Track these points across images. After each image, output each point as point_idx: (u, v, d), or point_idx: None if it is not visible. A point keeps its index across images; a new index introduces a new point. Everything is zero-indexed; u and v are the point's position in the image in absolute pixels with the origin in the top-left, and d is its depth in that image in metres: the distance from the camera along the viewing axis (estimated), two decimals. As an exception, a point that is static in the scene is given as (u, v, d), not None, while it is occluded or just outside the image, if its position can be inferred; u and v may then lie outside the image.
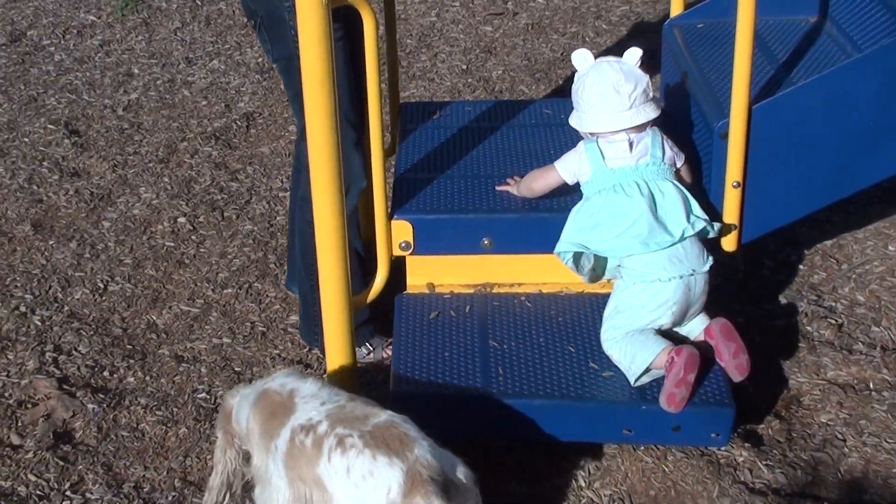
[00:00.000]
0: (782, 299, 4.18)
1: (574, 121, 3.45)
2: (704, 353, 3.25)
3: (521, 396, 3.18)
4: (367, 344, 3.88)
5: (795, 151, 3.39)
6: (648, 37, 6.37)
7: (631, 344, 3.24)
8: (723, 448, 3.35)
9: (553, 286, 3.61)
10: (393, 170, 3.88)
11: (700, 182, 3.57)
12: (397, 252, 3.54)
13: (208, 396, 3.75)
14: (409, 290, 3.63)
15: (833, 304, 4.14)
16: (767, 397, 3.67)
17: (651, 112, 3.34)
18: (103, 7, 7.03)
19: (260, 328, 4.10)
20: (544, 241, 3.49)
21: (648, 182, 3.31)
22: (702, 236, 3.37)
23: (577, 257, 3.36)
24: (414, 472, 2.57)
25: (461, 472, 2.68)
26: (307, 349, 3.96)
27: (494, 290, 3.62)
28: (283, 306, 4.21)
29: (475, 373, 3.27)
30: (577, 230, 3.34)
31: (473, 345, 3.38)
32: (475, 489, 2.69)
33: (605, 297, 3.53)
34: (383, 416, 2.74)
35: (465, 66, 6.14)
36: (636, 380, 3.21)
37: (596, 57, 3.46)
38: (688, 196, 3.34)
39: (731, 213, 3.46)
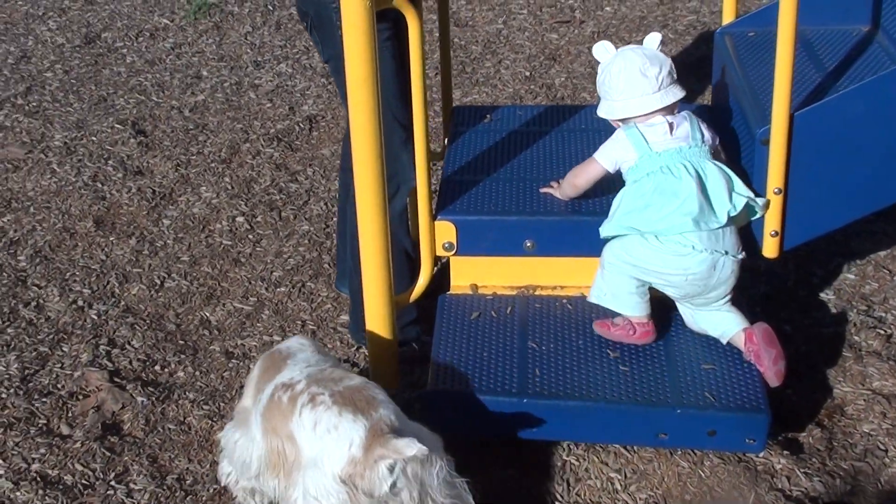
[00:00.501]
0: (832, 308, 4.17)
1: (604, 111, 3.48)
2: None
3: (557, 398, 3.21)
4: (413, 343, 3.93)
5: (837, 159, 3.39)
6: (712, 46, 6.35)
7: (620, 291, 3.35)
8: (761, 455, 3.34)
9: (595, 290, 3.63)
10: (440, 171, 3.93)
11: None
12: (441, 252, 3.59)
13: (255, 391, 3.82)
14: (453, 291, 3.67)
15: (883, 314, 4.12)
16: (810, 405, 3.65)
17: (679, 92, 3.39)
18: (176, 11, 7.17)
19: (310, 326, 4.17)
20: (587, 243, 3.52)
21: (694, 163, 3.32)
22: (749, 215, 3.37)
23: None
24: (376, 429, 2.72)
25: (427, 437, 2.81)
26: (356, 348, 4.02)
27: (537, 293, 3.65)
28: (335, 305, 4.27)
29: (512, 373, 3.30)
30: (627, 213, 3.34)
31: (512, 345, 3.41)
32: (440, 458, 2.81)
33: (648, 301, 3.56)
34: (357, 380, 2.92)
35: (528, 73, 6.17)
36: (594, 299, 3.40)
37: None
38: (730, 174, 3.35)
39: (772, 220, 3.47)
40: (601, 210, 3.51)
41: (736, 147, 3.74)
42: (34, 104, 5.95)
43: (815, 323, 4.08)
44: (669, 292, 3.39)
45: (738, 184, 3.34)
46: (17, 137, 5.58)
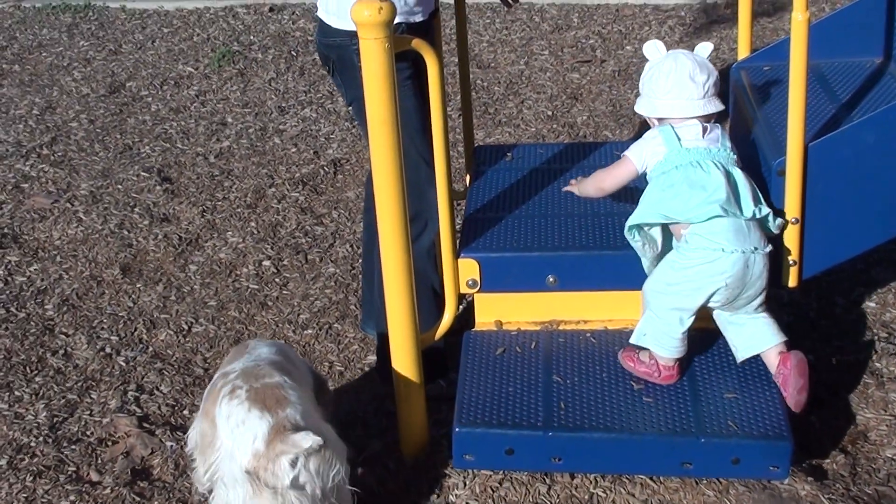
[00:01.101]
0: (853, 336, 4.18)
1: (644, 107, 3.48)
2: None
3: (582, 430, 3.24)
4: (440, 380, 3.95)
5: (853, 188, 3.43)
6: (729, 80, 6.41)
7: (660, 326, 3.37)
8: (785, 482, 3.35)
9: (619, 323, 3.67)
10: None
11: None
12: (465, 289, 3.63)
13: (284, 432, 3.85)
14: (478, 328, 3.71)
15: (905, 342, 4.13)
16: (833, 432, 3.67)
17: (720, 104, 3.42)
18: (201, 59, 7.28)
19: (338, 367, 4.21)
20: (609, 278, 3.58)
21: (723, 163, 3.37)
22: (763, 227, 3.40)
23: (644, 236, 3.43)
24: (279, 426, 2.95)
25: (333, 440, 3.05)
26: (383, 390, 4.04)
27: (561, 327, 3.68)
28: (362, 346, 4.32)
29: (537, 406, 3.33)
30: (655, 202, 3.36)
31: (537, 379, 3.44)
32: (341, 463, 3.05)
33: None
34: (276, 378, 3.13)
35: (550, 112, 6.22)
36: (635, 339, 3.41)
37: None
38: (755, 187, 3.39)
39: (790, 250, 3.50)
40: (623, 244, 3.54)
41: (753, 179, 3.77)
42: (60, 154, 6.04)
43: (837, 351, 4.10)
44: (713, 304, 3.38)
45: (761, 197, 3.39)
46: (43, 187, 5.66)
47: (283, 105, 6.53)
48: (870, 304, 4.35)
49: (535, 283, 3.61)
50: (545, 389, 3.40)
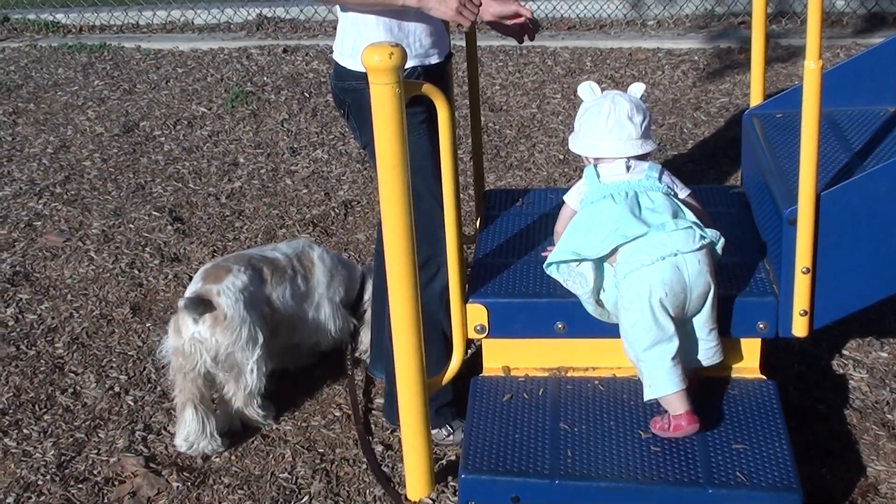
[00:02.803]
0: (864, 387, 4.16)
1: (582, 147, 3.56)
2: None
3: (589, 479, 3.22)
4: (448, 426, 3.94)
5: (865, 238, 3.41)
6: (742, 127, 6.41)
7: (651, 367, 3.37)
8: (795, 535, 3.32)
9: (627, 370, 3.65)
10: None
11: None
12: (472, 335, 3.62)
13: (290, 476, 3.84)
14: (485, 373, 3.69)
15: (917, 393, 4.11)
16: (844, 484, 3.64)
17: (653, 144, 3.53)
18: (214, 99, 7.31)
19: (346, 410, 4.18)
20: (617, 325, 3.53)
21: (637, 190, 3.45)
22: (711, 250, 3.45)
23: (569, 272, 3.50)
24: (201, 291, 3.94)
25: (235, 310, 3.92)
26: (390, 430, 4.03)
27: (569, 374, 3.66)
28: (369, 389, 4.29)
29: (544, 455, 3.31)
30: (567, 241, 3.47)
31: (544, 427, 3.43)
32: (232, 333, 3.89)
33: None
34: (232, 263, 4.06)
35: (562, 156, 6.23)
36: (647, 396, 3.42)
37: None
38: (680, 206, 3.47)
39: (801, 300, 3.49)
40: (631, 291, 3.53)
41: (764, 227, 3.77)
42: (73, 192, 6.06)
43: (848, 402, 4.07)
44: (675, 314, 3.40)
45: (689, 214, 3.46)
46: (55, 225, 5.67)
47: (295, 146, 6.55)
48: (882, 355, 4.33)
49: (544, 329, 3.60)
50: (552, 437, 3.38)
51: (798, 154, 3.67)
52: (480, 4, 3.55)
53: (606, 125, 3.47)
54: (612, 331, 3.58)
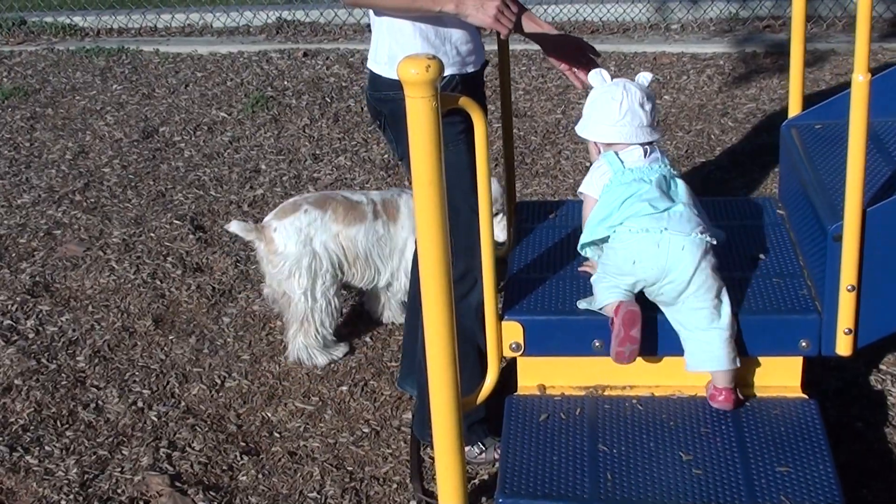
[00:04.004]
0: (903, 404, 4.08)
1: (592, 132, 3.56)
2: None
3: (630, 503, 3.12)
4: (480, 443, 3.86)
5: (913, 255, 3.33)
6: (774, 133, 6.29)
7: (600, 288, 3.45)
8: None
9: (665, 389, 3.56)
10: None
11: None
12: (508, 353, 3.53)
13: (319, 496, 3.76)
14: (520, 392, 3.61)
15: (957, 408, 4.02)
16: (887, 505, 3.55)
17: (660, 132, 3.62)
18: (234, 104, 7.23)
19: (374, 426, 4.10)
20: (656, 342, 3.47)
21: (663, 175, 3.48)
22: (706, 246, 3.42)
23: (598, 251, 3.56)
24: (265, 225, 4.52)
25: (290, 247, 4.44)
26: (419, 449, 3.94)
27: (606, 393, 3.57)
28: (397, 404, 4.21)
29: (583, 478, 3.22)
30: (599, 216, 3.48)
31: (583, 449, 3.33)
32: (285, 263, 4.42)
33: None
34: (309, 198, 4.56)
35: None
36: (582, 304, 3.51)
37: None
38: (695, 199, 3.52)
39: (845, 318, 3.40)
40: (671, 308, 3.46)
41: (805, 242, 3.68)
42: (92, 200, 5.99)
43: (888, 419, 3.99)
44: (652, 293, 3.43)
45: (700, 208, 3.52)
46: (75, 234, 5.60)
47: (317, 152, 6.47)
48: (920, 371, 4.25)
49: (581, 347, 3.51)
50: (591, 459, 3.28)
51: (840, 167, 3.60)
52: (518, 12, 3.48)
53: (620, 112, 3.47)
54: (650, 348, 3.50)
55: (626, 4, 8.52)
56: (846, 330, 3.40)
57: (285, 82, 7.59)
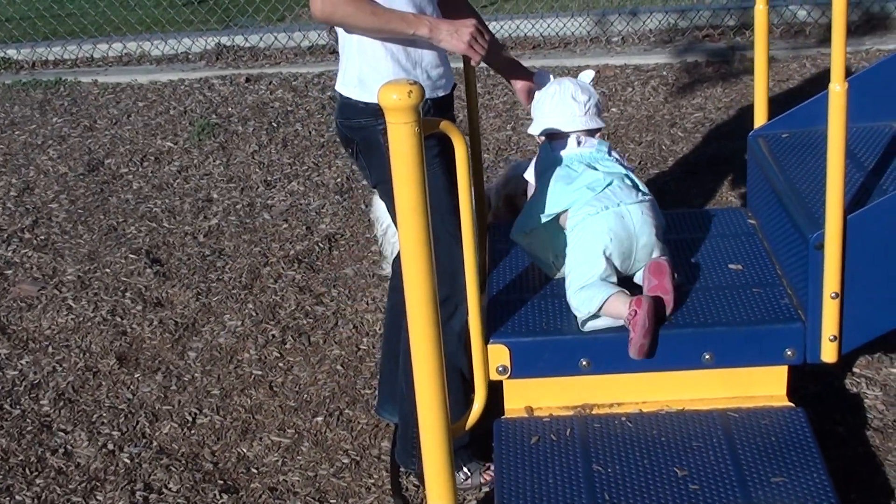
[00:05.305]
0: (880, 405, 4.10)
1: (533, 128, 3.79)
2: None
3: (631, 523, 3.09)
4: (465, 469, 3.81)
5: (892, 259, 3.35)
6: (723, 143, 6.37)
7: (586, 290, 3.47)
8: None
9: (653, 405, 3.55)
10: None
11: None
12: (494, 376, 3.50)
13: (305, 530, 3.69)
14: (508, 415, 3.57)
15: (937, 409, 4.05)
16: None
17: (600, 123, 3.76)
18: (179, 133, 7.13)
19: (353, 456, 4.04)
20: (644, 359, 3.44)
21: (591, 160, 3.67)
22: (653, 205, 3.66)
23: (532, 238, 3.71)
24: None
25: None
26: (402, 476, 3.88)
27: (594, 412, 3.55)
28: (375, 433, 4.15)
29: (581, 499, 3.19)
30: (533, 206, 3.68)
31: (577, 469, 3.30)
32: None
33: (706, 414, 3.48)
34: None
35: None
36: (583, 324, 3.47)
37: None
38: (631, 174, 3.68)
39: (830, 325, 3.41)
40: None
41: (783, 251, 3.69)
42: (42, 237, 5.86)
43: (867, 422, 4.01)
44: (619, 263, 3.56)
45: (640, 184, 3.70)
46: (27, 273, 5.47)
47: (269, 179, 6.39)
48: (893, 371, 4.28)
49: (568, 367, 3.49)
50: (587, 480, 3.25)
51: (814, 176, 3.64)
52: (490, 40, 3.47)
53: (552, 104, 3.71)
54: (637, 365, 3.48)
55: (566, 19, 8.54)
56: (831, 337, 3.41)
57: (230, 108, 7.50)
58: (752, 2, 7.92)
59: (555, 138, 3.72)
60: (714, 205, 5.61)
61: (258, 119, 7.25)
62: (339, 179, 6.26)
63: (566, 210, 3.57)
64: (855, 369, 4.30)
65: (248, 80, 8.00)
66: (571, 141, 3.70)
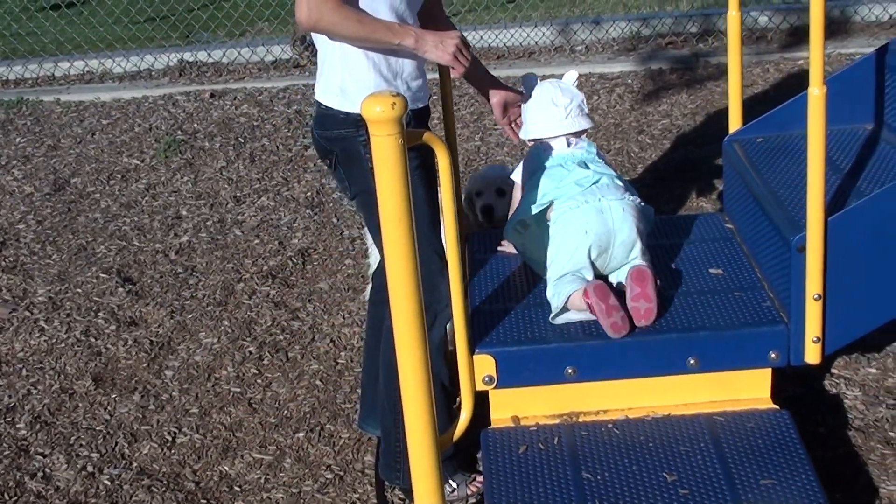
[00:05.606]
0: (860, 405, 4.12)
1: (522, 133, 3.87)
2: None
3: (623, 530, 3.09)
4: (451, 481, 3.79)
5: (873, 260, 3.38)
6: (690, 149, 6.40)
7: (558, 284, 3.57)
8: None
9: (639, 411, 3.55)
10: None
11: None
12: (480, 387, 3.48)
13: (292, 547, 3.66)
14: (494, 425, 3.56)
15: (912, 407, 4.08)
16: (860, 508, 3.57)
17: (585, 123, 3.81)
18: (145, 150, 7.08)
19: (337, 471, 4.01)
20: (629, 365, 3.47)
21: (583, 159, 3.74)
22: (637, 206, 3.66)
23: (524, 234, 3.78)
24: None
25: None
26: (387, 490, 3.86)
27: (580, 419, 3.54)
28: (357, 447, 4.13)
29: (572, 508, 3.17)
30: (525, 201, 3.74)
31: (567, 478, 3.30)
32: None
33: (693, 419, 3.49)
34: None
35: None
36: (553, 317, 3.55)
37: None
38: (619, 176, 3.74)
39: (813, 326, 3.43)
40: (641, 332, 3.47)
41: (763, 255, 3.70)
42: (10, 258, 5.80)
43: (847, 422, 4.03)
44: (597, 258, 3.61)
45: (631, 188, 3.74)
46: (-3, 295, 5.42)
47: (238, 195, 6.35)
48: (871, 371, 4.30)
49: (554, 375, 3.48)
50: (577, 488, 3.25)
51: (792, 179, 3.67)
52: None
53: (535, 110, 3.79)
54: (623, 372, 3.49)
55: (529, 28, 8.57)
56: (815, 338, 3.43)
57: (195, 125, 7.46)
58: (714, 10, 7.98)
59: (545, 140, 3.79)
60: (685, 210, 5.63)
61: (224, 135, 7.22)
62: (309, 193, 6.23)
63: (552, 202, 3.65)
64: (833, 370, 4.32)
65: (212, 95, 7.96)
66: (561, 142, 3.77)
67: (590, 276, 3.56)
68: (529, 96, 3.82)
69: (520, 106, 3.88)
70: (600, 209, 3.57)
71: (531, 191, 3.73)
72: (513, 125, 3.94)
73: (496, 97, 3.89)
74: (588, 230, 3.55)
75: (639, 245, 3.61)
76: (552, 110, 3.76)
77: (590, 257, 3.57)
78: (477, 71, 3.83)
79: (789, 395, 4.16)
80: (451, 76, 3.56)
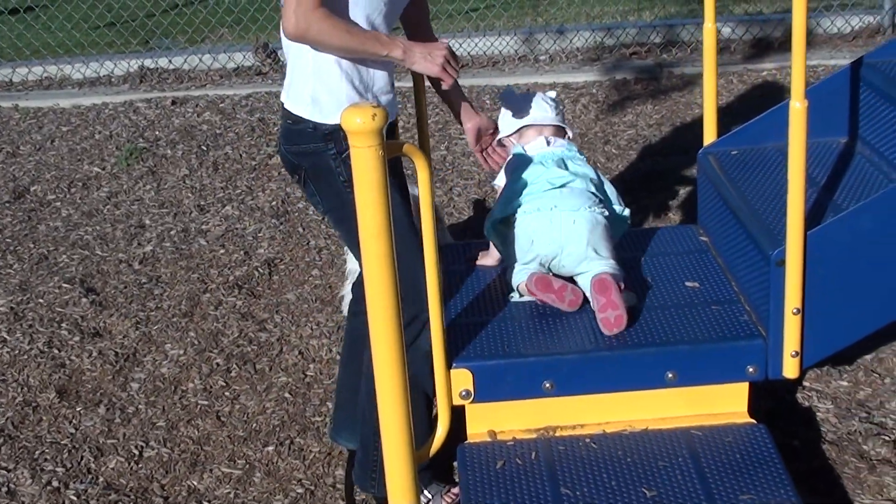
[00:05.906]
0: (832, 418, 4.12)
1: (506, 128, 3.87)
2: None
3: (604, 546, 3.06)
4: (426, 492, 3.76)
5: (852, 273, 3.39)
6: (657, 159, 6.40)
7: (516, 272, 3.73)
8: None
9: (616, 425, 3.53)
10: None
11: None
12: (458, 401, 3.45)
13: (265, 564, 3.60)
14: (471, 440, 3.52)
15: (883, 419, 4.09)
16: (838, 523, 3.57)
17: (567, 128, 3.92)
18: (106, 158, 6.99)
19: (307, 486, 3.96)
20: (607, 379, 3.45)
21: (563, 157, 3.80)
22: (598, 220, 3.66)
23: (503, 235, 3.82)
24: None
25: None
26: (362, 498, 3.81)
27: (557, 434, 3.52)
28: (328, 460, 4.08)
29: (552, 524, 3.14)
30: (506, 199, 3.77)
31: (545, 493, 3.27)
32: None
33: (670, 433, 3.47)
34: None
35: (482, 198, 6.09)
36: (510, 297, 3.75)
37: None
38: (602, 178, 3.85)
39: (792, 340, 3.43)
40: (619, 345, 3.45)
41: (741, 268, 3.70)
42: (-31, 268, 5.70)
43: (821, 436, 4.03)
44: (548, 261, 3.67)
45: (609, 187, 3.87)
46: (-43, 305, 5.31)
47: (202, 203, 6.27)
48: (842, 384, 4.30)
49: (531, 389, 3.45)
50: (556, 503, 3.21)
51: (768, 192, 3.68)
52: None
53: (525, 105, 3.84)
54: (601, 385, 3.46)
55: (493, 38, 8.54)
56: (793, 353, 3.43)
57: (157, 132, 7.37)
58: (677, 20, 7.99)
59: (526, 140, 3.83)
60: (654, 221, 5.62)
61: (187, 142, 7.13)
62: (274, 203, 6.16)
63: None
64: (805, 383, 4.32)
65: (174, 102, 7.87)
66: (541, 141, 3.81)
67: (542, 270, 3.69)
68: (510, 108, 3.85)
69: (492, 134, 3.87)
70: (550, 219, 3.62)
71: (509, 187, 3.78)
72: (485, 153, 3.90)
73: (470, 123, 3.83)
74: (535, 240, 3.63)
75: (592, 256, 3.60)
76: (544, 104, 3.86)
77: (537, 265, 3.67)
78: (455, 89, 3.79)
79: (762, 408, 4.15)
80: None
